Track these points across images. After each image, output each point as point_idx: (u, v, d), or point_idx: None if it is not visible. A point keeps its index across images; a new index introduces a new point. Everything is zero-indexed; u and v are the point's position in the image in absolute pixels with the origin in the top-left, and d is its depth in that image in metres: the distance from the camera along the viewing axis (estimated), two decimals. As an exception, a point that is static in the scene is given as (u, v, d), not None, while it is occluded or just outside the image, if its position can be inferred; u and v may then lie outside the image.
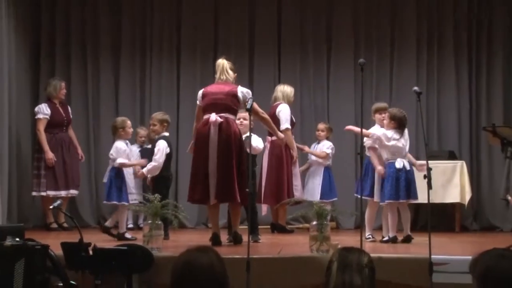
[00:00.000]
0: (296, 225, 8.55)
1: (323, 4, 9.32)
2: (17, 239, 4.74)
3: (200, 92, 6.57)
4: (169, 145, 7.14)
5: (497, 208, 8.77)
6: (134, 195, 7.82)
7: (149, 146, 8.02)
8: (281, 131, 7.59)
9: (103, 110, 9.17)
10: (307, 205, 6.35)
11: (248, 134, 6.29)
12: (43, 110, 8.12)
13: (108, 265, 4.83)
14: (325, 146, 8.36)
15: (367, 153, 6.88)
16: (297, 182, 8.01)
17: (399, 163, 6.60)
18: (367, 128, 6.87)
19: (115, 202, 6.94)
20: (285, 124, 7.84)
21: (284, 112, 7.89)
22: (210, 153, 6.19)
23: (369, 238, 6.85)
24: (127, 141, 7.23)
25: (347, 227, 8.77)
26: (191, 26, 9.28)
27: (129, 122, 7.20)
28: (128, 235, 6.89)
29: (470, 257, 2.82)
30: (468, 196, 8.30)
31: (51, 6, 9.17)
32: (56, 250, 4.86)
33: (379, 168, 6.69)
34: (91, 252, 4.86)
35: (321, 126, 8.49)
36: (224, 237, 6.47)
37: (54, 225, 8.05)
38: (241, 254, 5.11)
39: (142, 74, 9.26)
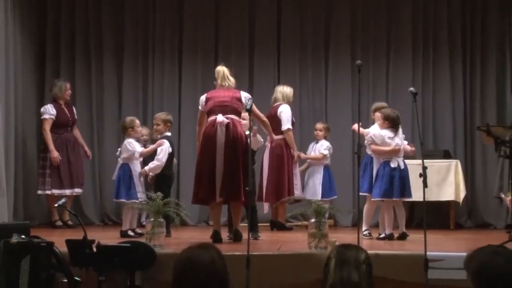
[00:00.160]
0: (295, 222, 8.55)
1: (322, 6, 9.31)
2: (23, 236, 4.75)
3: (203, 97, 6.57)
4: (171, 144, 7.17)
5: (491, 206, 8.79)
6: (140, 193, 7.82)
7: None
8: (282, 131, 7.74)
9: (107, 111, 9.17)
10: (306, 203, 6.35)
11: (247, 133, 6.36)
12: (49, 111, 8.12)
13: (112, 261, 4.83)
14: (323, 147, 8.35)
15: (368, 150, 6.92)
16: (297, 181, 8.02)
17: (393, 162, 6.65)
18: (366, 128, 6.98)
19: (123, 200, 6.94)
20: (286, 124, 7.87)
21: (285, 112, 7.91)
22: (217, 152, 6.19)
23: (366, 233, 6.85)
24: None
25: (344, 225, 8.77)
26: (192, 27, 9.28)
27: (137, 122, 7.25)
28: (131, 233, 6.89)
29: (464, 254, 2.83)
30: (462, 194, 8.31)
31: (56, 8, 9.16)
32: (61, 247, 4.86)
33: (390, 148, 6.70)
34: (95, 249, 4.85)
35: (319, 126, 8.49)
36: (224, 234, 6.48)
37: (59, 223, 8.05)
38: (241, 251, 5.10)
39: (144, 75, 9.26)
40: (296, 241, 6.63)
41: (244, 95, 6.45)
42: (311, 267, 4.99)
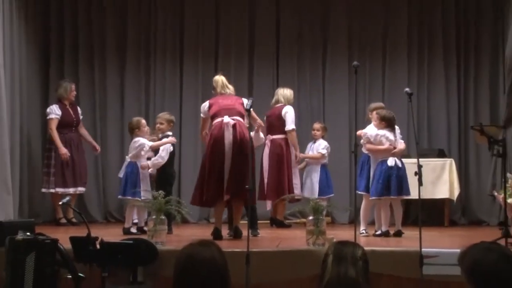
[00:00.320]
0: (294, 220, 8.54)
1: (319, 8, 9.31)
2: (28, 233, 4.75)
3: (206, 104, 6.59)
4: (173, 144, 7.18)
5: (484, 204, 8.79)
6: (144, 191, 7.82)
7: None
8: (286, 131, 7.87)
9: (110, 111, 9.16)
10: (304, 201, 6.36)
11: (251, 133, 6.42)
12: (55, 111, 8.13)
13: (115, 258, 4.84)
14: (321, 147, 8.35)
15: (364, 149, 6.92)
16: (296, 180, 8.03)
17: (390, 161, 6.67)
18: (363, 128, 7.00)
19: (129, 198, 6.94)
20: (291, 125, 7.90)
21: (290, 113, 7.95)
22: (225, 152, 6.19)
23: (364, 232, 6.84)
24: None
25: (341, 222, 8.77)
26: (193, 28, 9.26)
27: (143, 121, 7.30)
28: (133, 230, 6.89)
29: (458, 250, 2.82)
30: (456, 192, 8.31)
31: (60, 10, 9.15)
32: (65, 244, 4.85)
33: (384, 147, 6.70)
34: (98, 246, 4.86)
35: (317, 125, 8.49)
36: (224, 231, 6.48)
37: (63, 221, 8.05)
38: (241, 248, 5.11)
39: (146, 76, 9.25)
40: (294, 238, 6.63)
41: (246, 102, 6.45)
42: (309, 264, 4.99)
